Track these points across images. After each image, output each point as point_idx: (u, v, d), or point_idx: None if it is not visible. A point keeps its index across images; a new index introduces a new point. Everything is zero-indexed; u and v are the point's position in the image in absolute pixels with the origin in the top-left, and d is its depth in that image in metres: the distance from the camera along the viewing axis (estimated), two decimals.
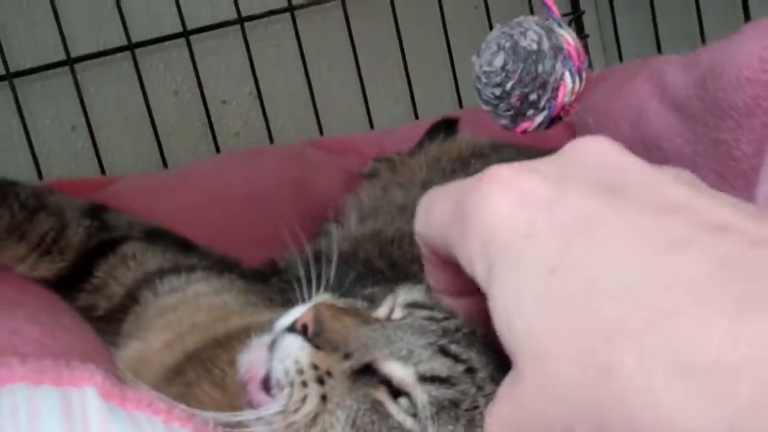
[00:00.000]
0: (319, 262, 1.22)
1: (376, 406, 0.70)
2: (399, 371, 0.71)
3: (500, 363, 0.71)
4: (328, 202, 1.53)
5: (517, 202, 0.49)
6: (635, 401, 0.40)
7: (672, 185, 0.48)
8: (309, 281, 0.84)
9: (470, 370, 0.71)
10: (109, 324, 1.03)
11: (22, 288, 0.98)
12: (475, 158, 1.46)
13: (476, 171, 1.38)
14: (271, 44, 1.94)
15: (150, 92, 1.78)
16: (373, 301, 0.82)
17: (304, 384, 0.70)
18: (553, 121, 1.09)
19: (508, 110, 1.05)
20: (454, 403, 0.69)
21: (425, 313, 0.76)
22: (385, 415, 0.70)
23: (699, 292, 0.41)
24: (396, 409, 0.70)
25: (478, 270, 0.51)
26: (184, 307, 1.03)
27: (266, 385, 0.72)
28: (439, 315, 0.75)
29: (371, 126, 1.99)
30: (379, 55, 2.01)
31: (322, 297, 0.80)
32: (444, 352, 0.71)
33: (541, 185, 0.50)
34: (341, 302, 0.78)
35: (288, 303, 0.84)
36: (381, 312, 0.79)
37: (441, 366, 0.70)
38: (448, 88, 2.07)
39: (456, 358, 0.71)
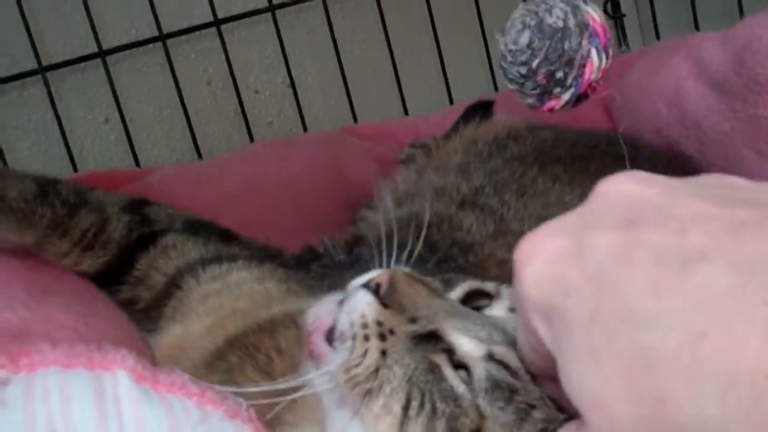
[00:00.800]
0: (358, 245, 1.21)
1: (433, 368, 0.71)
2: (467, 344, 0.72)
3: None
4: (364, 189, 1.52)
5: (547, 264, 0.52)
6: (692, 423, 0.41)
7: (690, 200, 0.48)
8: (382, 254, 0.87)
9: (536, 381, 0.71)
10: (150, 314, 1.03)
11: (58, 276, 0.98)
12: (511, 140, 1.43)
13: (513, 154, 1.36)
14: (302, 32, 1.92)
15: (183, 83, 1.77)
16: (450, 284, 0.82)
17: (366, 338, 0.72)
18: (579, 98, 1.06)
19: (535, 88, 1.03)
20: (511, 390, 0.69)
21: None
22: (440, 378, 0.71)
23: (724, 307, 0.41)
24: (452, 374, 0.71)
25: (546, 341, 0.52)
26: (226, 294, 1.02)
27: (330, 336, 0.74)
28: None
29: (405, 112, 1.96)
30: (411, 40, 1.99)
31: (401, 268, 0.81)
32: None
33: (564, 240, 0.52)
34: (419, 276, 0.79)
35: (331, 288, 0.84)
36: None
37: (512, 358, 0.70)
38: (482, 72, 2.05)
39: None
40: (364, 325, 0.73)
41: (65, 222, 1.01)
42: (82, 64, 1.72)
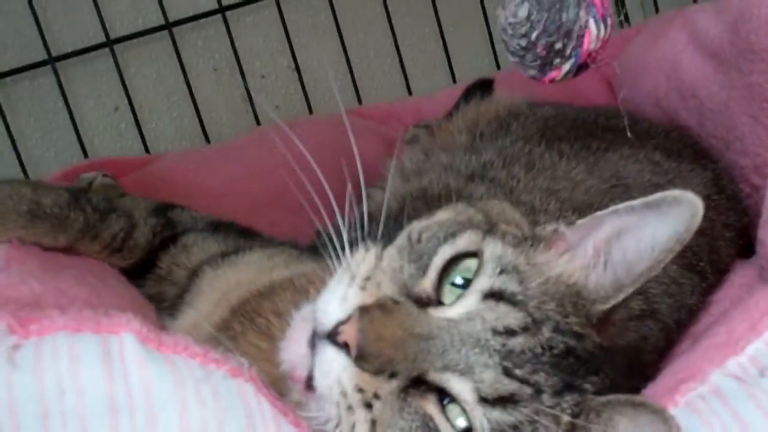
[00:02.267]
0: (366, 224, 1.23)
1: (427, 422, 0.71)
2: (457, 385, 0.71)
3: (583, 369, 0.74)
4: (370, 169, 1.53)
5: None
6: None
7: None
8: (350, 243, 0.83)
9: (537, 392, 0.71)
10: (176, 308, 1.07)
11: (69, 253, 1.02)
12: (512, 118, 1.45)
13: (515, 132, 1.36)
14: (306, 16, 1.94)
15: (189, 70, 1.80)
16: (454, 236, 0.80)
17: (350, 408, 0.70)
18: (580, 68, 1.08)
19: (535, 60, 1.05)
20: (515, 427, 0.70)
21: (501, 313, 0.73)
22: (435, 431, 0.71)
23: None
24: (445, 425, 0.71)
25: None
26: (233, 270, 1.06)
27: (309, 383, 0.72)
28: (515, 322, 0.73)
29: (409, 93, 1.98)
30: (414, 21, 2.01)
31: (363, 267, 0.79)
32: (508, 374, 0.71)
33: None
34: (388, 293, 0.75)
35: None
36: (448, 295, 0.76)
37: (505, 388, 0.70)
38: (485, 51, 2.06)
39: (522, 381, 0.71)
40: (344, 394, 0.70)
41: (96, 226, 1.06)
42: (91, 54, 1.75)
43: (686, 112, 1.41)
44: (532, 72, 1.00)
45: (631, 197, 1.10)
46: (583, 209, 1.06)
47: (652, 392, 0.78)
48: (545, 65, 0.99)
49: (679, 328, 1.04)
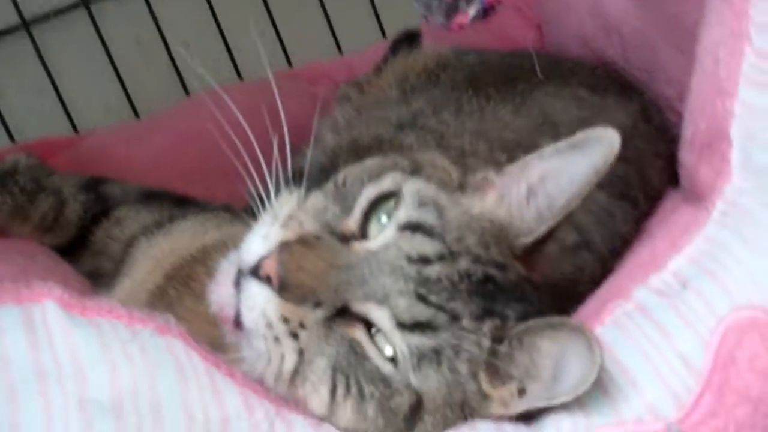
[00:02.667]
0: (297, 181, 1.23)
1: (354, 347, 0.73)
2: (376, 313, 0.73)
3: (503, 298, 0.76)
4: (302, 130, 1.52)
5: None
6: None
7: None
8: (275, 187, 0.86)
9: (454, 318, 0.73)
10: (114, 282, 1.06)
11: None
12: (440, 69, 1.45)
13: (444, 83, 1.36)
14: None
15: (111, 44, 1.77)
16: (379, 177, 0.82)
17: (277, 340, 0.72)
18: (487, 11, 1.08)
19: (441, 6, 1.05)
20: (437, 351, 0.72)
21: (417, 243, 0.75)
22: (363, 357, 0.73)
23: None
24: (374, 351, 0.73)
25: None
26: (166, 238, 1.05)
27: (238, 322, 0.74)
28: (431, 251, 0.75)
29: (340, 51, 1.96)
30: None
31: (286, 208, 0.80)
32: (422, 300, 0.73)
33: None
34: (310, 229, 0.77)
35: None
36: (373, 232, 0.78)
37: (420, 313, 0.72)
38: (412, 2, 2.04)
39: (437, 307, 0.73)
40: (269, 326, 0.72)
41: (25, 207, 1.09)
42: (8, 37, 1.71)
43: (611, 49, 1.43)
44: (440, 19, 1.00)
45: (559, 134, 1.11)
46: (512, 148, 1.07)
47: (580, 315, 0.79)
48: (450, 11, 0.99)
49: (614, 257, 1.05)
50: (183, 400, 0.59)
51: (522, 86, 1.26)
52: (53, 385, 0.56)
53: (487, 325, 0.74)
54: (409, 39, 1.64)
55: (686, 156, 0.88)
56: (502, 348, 0.72)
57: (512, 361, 0.72)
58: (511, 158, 1.05)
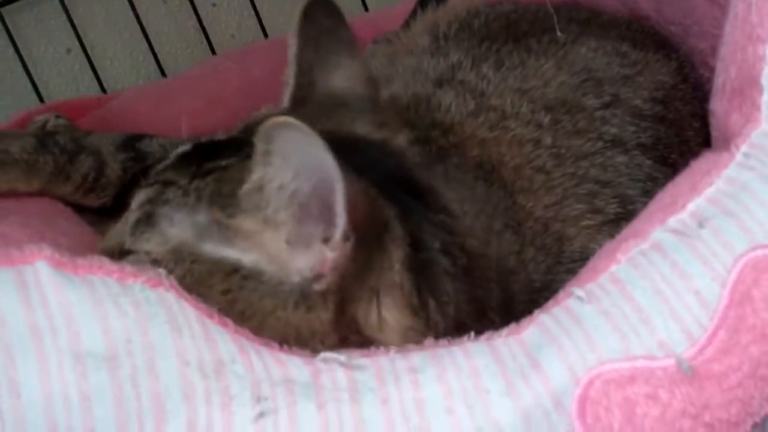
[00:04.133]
0: None
1: None
2: None
3: None
4: None
5: None
6: None
7: None
8: None
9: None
10: None
11: (20, 199, 1.05)
12: (473, 17, 1.39)
13: (479, 31, 1.31)
14: None
15: (138, 3, 1.75)
16: None
17: None
18: None
19: None
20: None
21: None
22: None
23: None
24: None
25: None
26: None
27: None
28: None
29: (366, 9, 1.94)
30: None
31: None
32: None
33: None
34: None
35: None
36: None
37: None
38: None
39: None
40: None
41: (66, 168, 1.09)
42: None
43: (645, 2, 1.39)
44: None
45: (603, 91, 1.07)
46: (555, 107, 1.04)
47: (596, 256, 0.78)
48: None
49: None
50: (176, 348, 0.60)
51: (563, 38, 1.21)
52: (48, 341, 0.58)
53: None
54: None
55: (717, 105, 0.86)
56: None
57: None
58: (555, 120, 1.03)
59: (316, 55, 0.98)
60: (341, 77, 0.98)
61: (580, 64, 1.14)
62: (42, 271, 0.60)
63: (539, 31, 1.24)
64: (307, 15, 0.98)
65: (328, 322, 0.71)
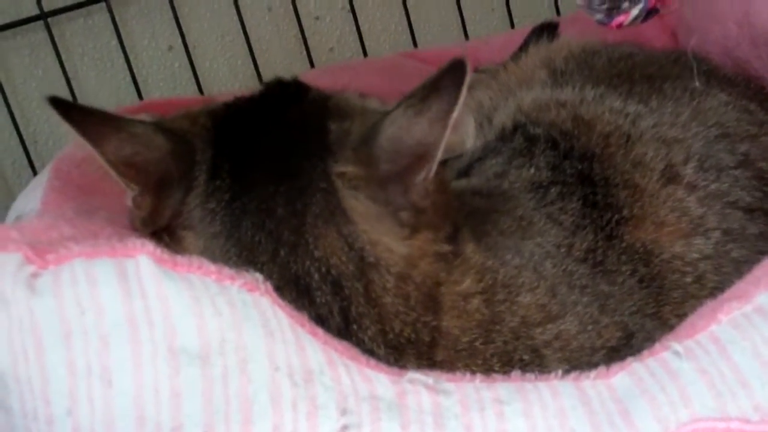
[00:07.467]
0: None
1: None
2: None
3: None
4: None
5: None
6: None
7: None
8: None
9: None
10: None
11: (109, 196, 1.04)
12: (590, 55, 1.34)
13: (596, 67, 1.27)
14: None
15: (244, 9, 1.78)
16: None
17: None
18: (649, 13, 1.03)
19: (603, 3, 1.01)
20: None
21: None
22: None
23: None
24: None
25: None
26: None
27: None
28: None
29: (466, 37, 1.94)
30: None
31: None
32: None
33: None
34: None
35: None
36: None
37: None
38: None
39: None
40: None
41: None
42: None
43: (759, 62, 1.35)
44: (599, 16, 0.96)
45: (735, 149, 1.04)
46: (689, 160, 1.01)
47: (696, 314, 0.76)
48: (613, 9, 0.95)
49: None
50: (268, 351, 0.61)
51: (694, 88, 1.15)
52: (144, 333, 0.59)
53: None
54: (549, 30, 1.59)
55: None
56: None
57: None
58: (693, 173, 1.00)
59: None
60: None
61: (714, 118, 1.09)
62: (143, 265, 0.60)
63: (668, 77, 1.19)
64: None
65: None
